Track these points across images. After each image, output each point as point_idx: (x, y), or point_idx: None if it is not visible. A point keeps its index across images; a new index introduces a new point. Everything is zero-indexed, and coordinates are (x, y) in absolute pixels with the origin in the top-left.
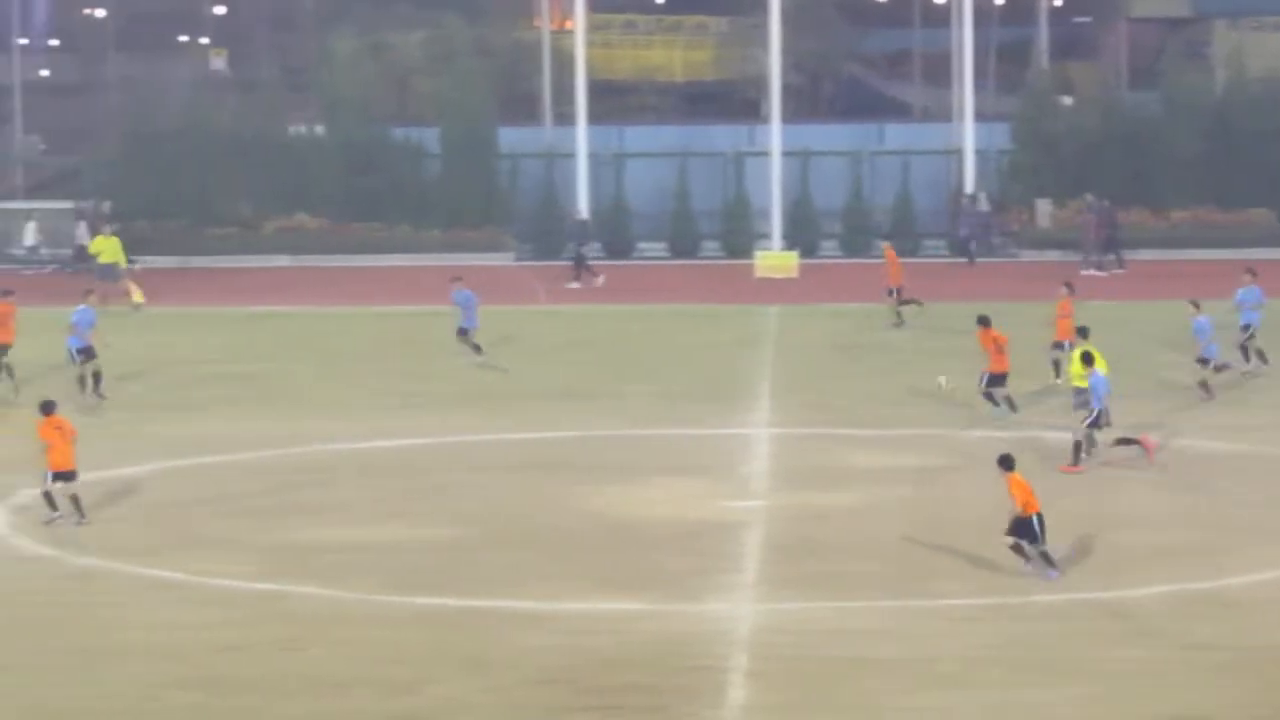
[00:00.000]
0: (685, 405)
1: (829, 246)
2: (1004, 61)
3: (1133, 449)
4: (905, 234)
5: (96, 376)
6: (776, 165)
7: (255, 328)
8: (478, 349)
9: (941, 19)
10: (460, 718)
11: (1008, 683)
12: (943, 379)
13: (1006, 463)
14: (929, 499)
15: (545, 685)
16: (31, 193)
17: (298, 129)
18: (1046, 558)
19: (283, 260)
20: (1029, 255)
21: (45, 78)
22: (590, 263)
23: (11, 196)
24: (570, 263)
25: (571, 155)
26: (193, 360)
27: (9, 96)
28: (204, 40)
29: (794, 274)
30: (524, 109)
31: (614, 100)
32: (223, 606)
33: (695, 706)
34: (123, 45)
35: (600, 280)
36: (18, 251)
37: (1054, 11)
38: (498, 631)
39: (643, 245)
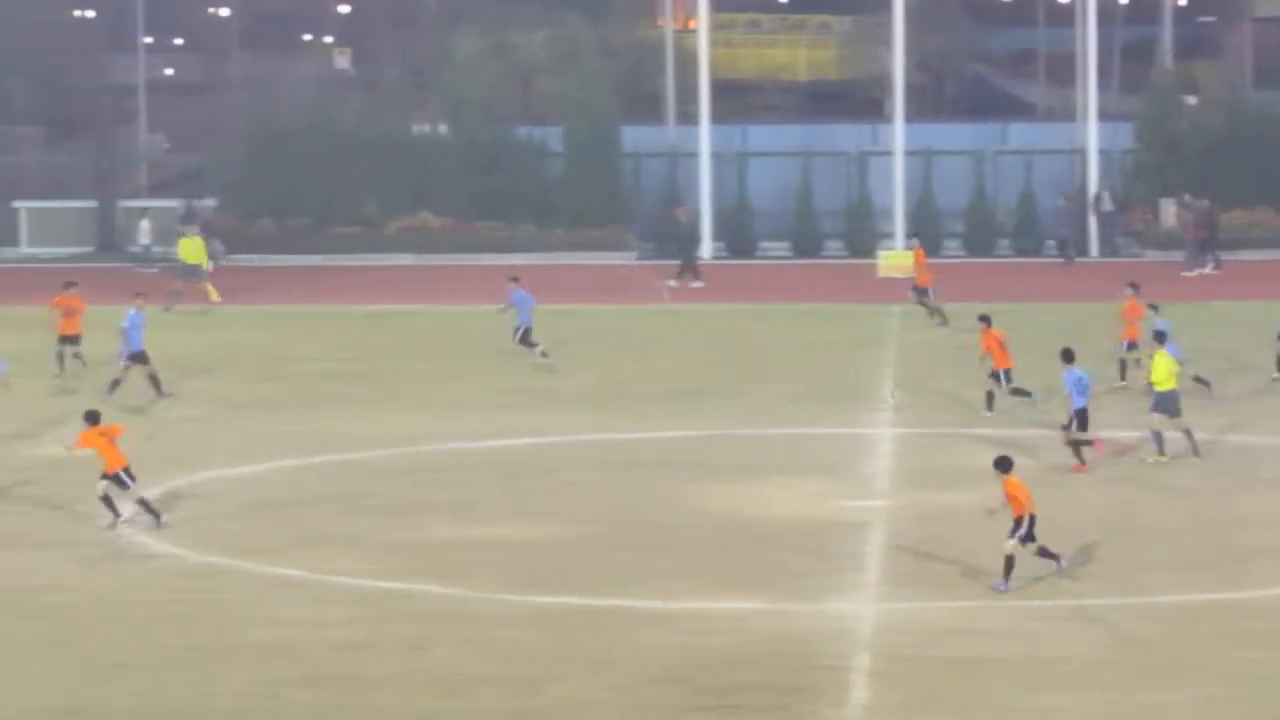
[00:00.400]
0: (807, 404)
1: (952, 246)
2: (1128, 61)
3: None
4: (1028, 234)
5: (117, 382)
6: (899, 164)
7: (378, 326)
8: (532, 347)
9: (1065, 18)
10: (583, 716)
11: (1130, 683)
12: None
13: (1004, 464)
14: (1051, 499)
15: (667, 684)
16: (155, 191)
17: (421, 128)
18: (1009, 565)
19: (406, 259)
20: (1153, 255)
21: (169, 76)
22: (686, 263)
23: (135, 195)
24: (687, 262)
25: (694, 154)
26: (315, 358)
27: (133, 95)
28: (328, 39)
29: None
30: (647, 108)
31: (737, 99)
32: (346, 605)
33: (816, 706)
34: (247, 44)
35: (698, 284)
36: (136, 249)
37: (1178, 11)
38: (620, 630)
39: (765, 244)
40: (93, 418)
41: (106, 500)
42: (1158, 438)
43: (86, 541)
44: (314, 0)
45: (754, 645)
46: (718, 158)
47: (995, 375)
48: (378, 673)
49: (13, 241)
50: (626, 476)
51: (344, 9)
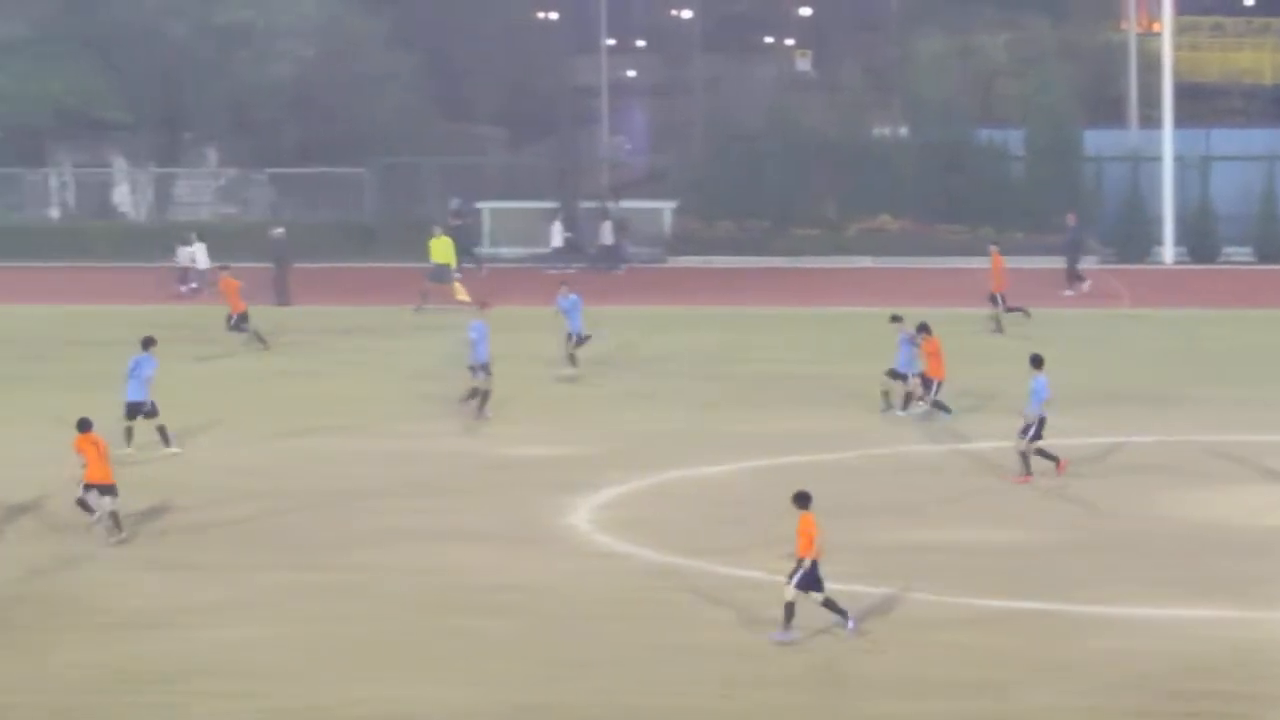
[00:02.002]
0: (1267, 411)
1: None
2: None
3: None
4: None
5: (475, 393)
6: None
7: (838, 328)
8: (571, 359)
9: None
10: None
11: None
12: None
13: (802, 500)
14: None
15: (1127, 690)
16: (617, 192)
17: (881, 130)
18: (789, 612)
19: (865, 261)
20: None
21: (631, 78)
22: (1080, 269)
23: (597, 196)
24: (1071, 268)
25: (1157, 158)
26: (777, 359)
27: (595, 97)
28: (789, 41)
29: None
30: (1109, 111)
31: (1201, 103)
32: (805, 605)
33: (1277, 715)
34: (708, 46)
35: (1086, 286)
36: (608, 245)
37: None
38: (1078, 635)
39: (1228, 249)
40: (83, 425)
41: (82, 503)
42: None
43: (547, 539)
44: (775, 3)
45: (1214, 652)
46: (1180, 161)
47: (926, 381)
48: (835, 674)
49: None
50: (1085, 480)
51: (805, 11)
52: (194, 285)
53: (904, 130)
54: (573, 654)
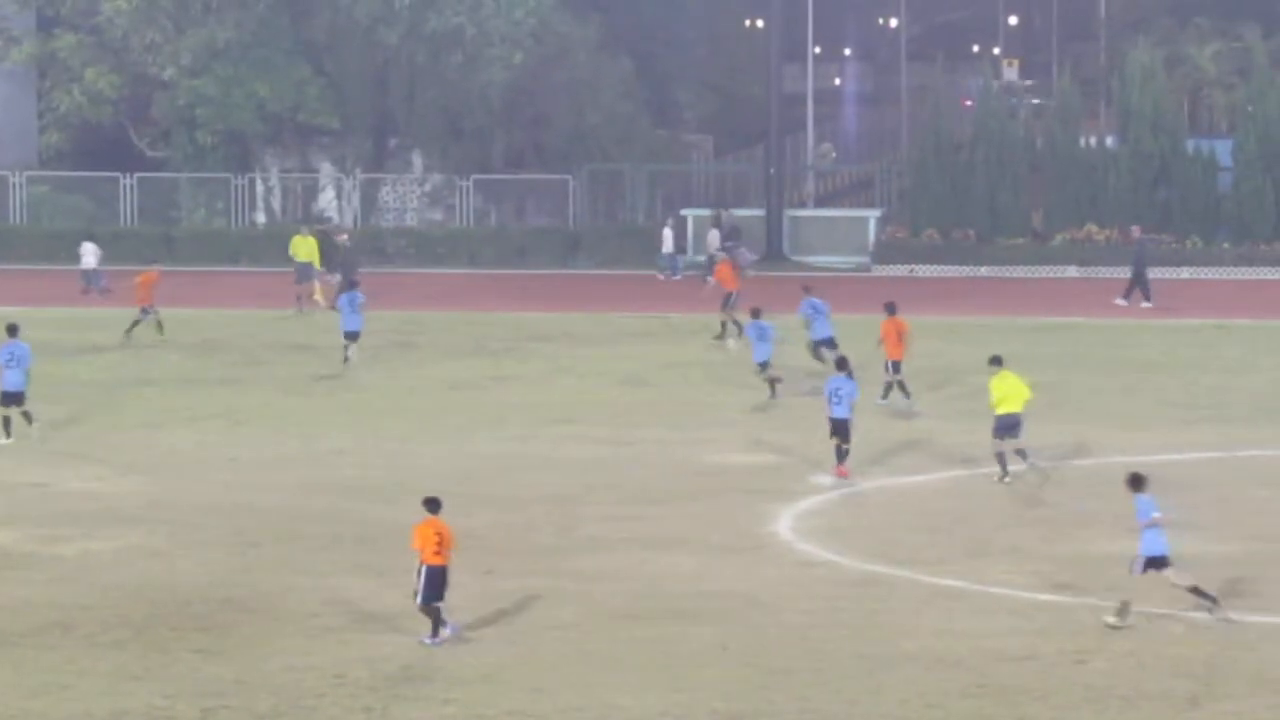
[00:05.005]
0: None
1: None
2: None
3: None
4: None
5: None
6: None
7: (1044, 339)
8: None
9: None
10: None
11: None
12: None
13: (432, 505)
14: None
15: None
16: (823, 201)
17: (1088, 140)
18: (435, 616)
19: (1071, 271)
20: None
21: (837, 86)
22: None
23: (803, 205)
24: (1135, 280)
25: None
26: (977, 370)
27: (801, 105)
28: (996, 50)
29: None
30: None
31: None
32: (1008, 616)
33: None
34: (915, 55)
35: (1145, 304)
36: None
37: None
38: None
39: None
40: None
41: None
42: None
43: (750, 547)
44: (983, 12)
45: None
46: None
47: (886, 364)
48: (1037, 685)
49: (682, 249)
50: None
51: (1013, 20)
52: (89, 288)
53: (1110, 140)
54: (774, 662)
